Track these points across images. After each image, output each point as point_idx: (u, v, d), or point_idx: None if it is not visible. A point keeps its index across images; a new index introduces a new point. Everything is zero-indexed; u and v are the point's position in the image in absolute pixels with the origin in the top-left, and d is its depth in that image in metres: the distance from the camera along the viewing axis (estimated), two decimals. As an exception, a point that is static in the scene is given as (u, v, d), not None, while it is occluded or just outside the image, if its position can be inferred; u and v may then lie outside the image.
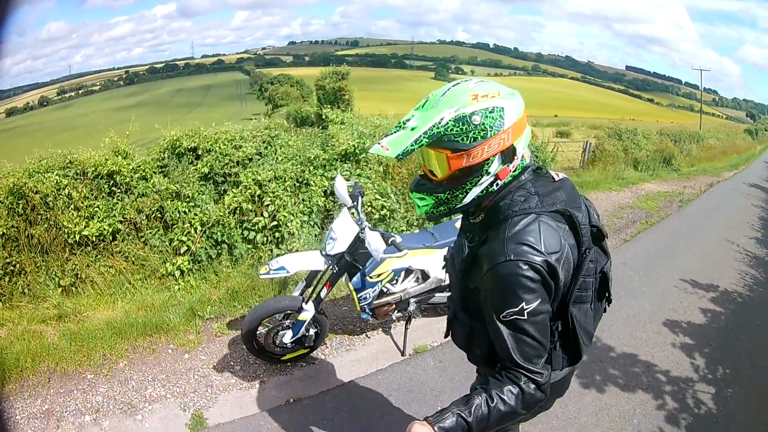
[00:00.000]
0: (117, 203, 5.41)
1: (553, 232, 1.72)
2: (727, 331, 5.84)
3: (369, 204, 6.23)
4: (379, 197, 6.37)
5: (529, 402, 1.71)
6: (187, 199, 5.60)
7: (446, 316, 2.31)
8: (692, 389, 4.62)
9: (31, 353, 4.31)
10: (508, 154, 1.72)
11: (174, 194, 5.57)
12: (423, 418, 1.65)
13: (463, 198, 1.79)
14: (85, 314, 4.92)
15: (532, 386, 1.71)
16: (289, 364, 4.47)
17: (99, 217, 5.31)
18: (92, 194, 5.43)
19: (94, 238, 5.24)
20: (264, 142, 6.32)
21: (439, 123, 1.67)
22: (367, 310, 4.43)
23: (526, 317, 1.68)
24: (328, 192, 6.07)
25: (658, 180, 15.53)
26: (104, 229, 5.26)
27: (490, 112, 1.66)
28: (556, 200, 1.78)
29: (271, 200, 5.71)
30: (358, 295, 4.31)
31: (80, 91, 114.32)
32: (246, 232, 5.70)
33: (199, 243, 5.50)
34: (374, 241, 3.77)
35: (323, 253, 4.18)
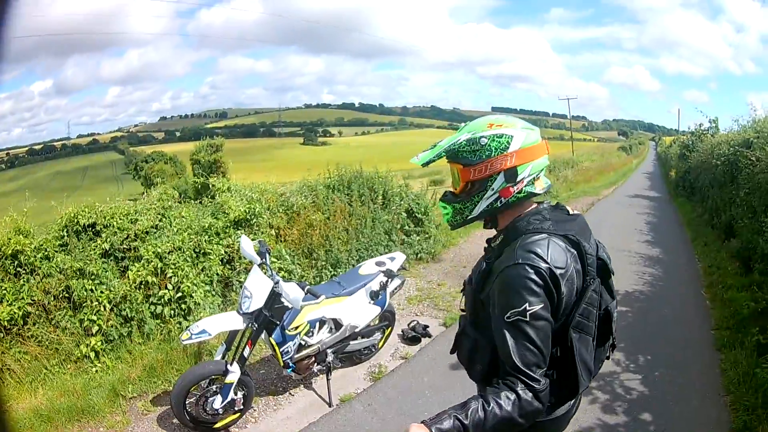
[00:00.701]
0: (24, 285, 5.19)
1: (561, 252, 1.86)
2: (638, 325, 6.35)
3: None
4: (275, 260, 6.49)
5: (526, 410, 1.75)
6: (92, 276, 5.44)
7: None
8: (618, 380, 4.99)
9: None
10: (511, 175, 1.95)
11: (78, 272, 5.41)
12: (421, 421, 1.69)
13: (473, 209, 2.04)
14: (9, 405, 4.70)
15: (530, 394, 1.75)
16: (222, 431, 4.44)
17: (8, 300, 5.07)
18: (-1, 276, 5.23)
19: (5, 323, 5.00)
20: (158, 214, 6.28)
21: (456, 141, 2.01)
22: (291, 365, 4.50)
23: (528, 319, 1.77)
24: (225, 260, 6.12)
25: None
26: (15, 313, 5.02)
27: (498, 137, 1.96)
28: (568, 229, 1.95)
29: (173, 272, 5.66)
30: (281, 350, 4.39)
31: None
32: (153, 307, 5.61)
33: (109, 321, 5.37)
34: (292, 291, 3.94)
35: (240, 312, 4.22)
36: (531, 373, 1.76)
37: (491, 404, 1.72)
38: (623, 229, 13.64)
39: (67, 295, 5.34)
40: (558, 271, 1.82)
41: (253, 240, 4.89)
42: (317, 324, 4.60)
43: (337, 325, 4.76)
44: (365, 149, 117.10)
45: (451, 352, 2.33)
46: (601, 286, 2.02)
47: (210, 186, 7.44)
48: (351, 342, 5.07)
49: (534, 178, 1.99)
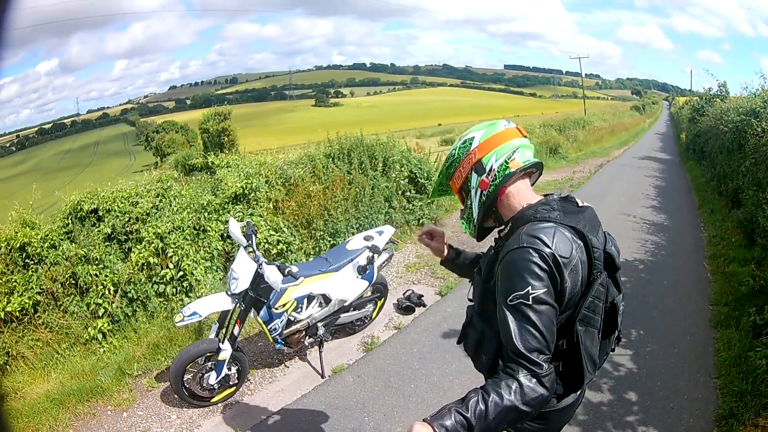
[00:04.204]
0: (32, 275, 5.36)
1: (567, 242, 1.87)
2: (636, 297, 6.30)
3: (265, 240, 6.44)
4: (273, 233, 6.60)
5: (530, 397, 1.71)
6: (96, 262, 5.60)
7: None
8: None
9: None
10: (479, 167, 2.07)
11: (83, 258, 5.57)
12: (422, 419, 1.66)
13: (473, 213, 2.16)
14: (24, 391, 4.91)
15: (533, 380, 1.73)
16: (220, 405, 4.63)
17: (18, 291, 5.25)
18: (8, 269, 5.36)
19: (17, 314, 5.19)
20: (158, 195, 6.38)
21: (443, 165, 2.25)
22: (279, 341, 4.69)
23: (530, 303, 1.77)
24: (225, 235, 6.21)
25: (546, 170, 16.39)
26: (25, 303, 5.20)
27: (462, 145, 2.14)
28: (576, 220, 1.97)
29: (173, 251, 5.81)
30: (268, 327, 4.57)
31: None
32: (156, 286, 5.78)
33: (115, 303, 5.54)
34: (272, 274, 4.11)
35: (229, 293, 4.42)
36: (533, 358, 1.75)
37: (491, 395, 1.70)
38: (630, 192, 13.47)
39: (73, 281, 5.52)
40: (562, 259, 1.82)
41: (242, 221, 5.01)
42: (305, 300, 4.74)
43: (326, 299, 4.89)
44: (377, 109, 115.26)
45: (458, 343, 2.36)
46: (608, 279, 2.04)
47: (210, 163, 7.49)
48: (342, 315, 5.22)
49: (507, 160, 2.03)
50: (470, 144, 2.10)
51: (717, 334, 5.46)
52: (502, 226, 2.13)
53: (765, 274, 5.85)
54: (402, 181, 9.15)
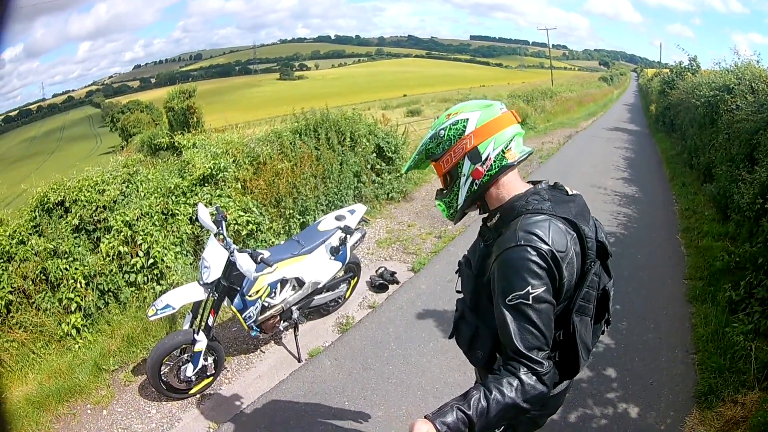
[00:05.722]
0: (2, 274, 5.20)
1: (562, 234, 1.85)
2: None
3: (235, 222, 6.33)
4: (242, 213, 6.48)
5: (530, 394, 1.73)
6: (66, 255, 5.46)
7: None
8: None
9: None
10: (474, 155, 1.97)
11: (52, 253, 5.43)
12: (424, 416, 1.68)
13: (458, 199, 2.08)
14: (3, 396, 4.78)
15: (533, 378, 1.74)
16: (198, 396, 4.58)
17: None
18: (-23, 268, 5.24)
19: None
20: (125, 181, 6.23)
21: (424, 141, 2.10)
22: (254, 328, 4.65)
23: (530, 302, 1.76)
24: (193, 219, 6.09)
25: (514, 141, 16.46)
26: None
27: (453, 125, 2.01)
28: (568, 210, 1.93)
29: (142, 238, 5.67)
30: (243, 315, 4.51)
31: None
32: (127, 275, 5.66)
33: (86, 297, 5.41)
34: (244, 263, 4.04)
35: (201, 282, 4.33)
36: (533, 357, 1.75)
37: (493, 392, 1.71)
38: (600, 164, 13.54)
39: (44, 276, 5.37)
40: (559, 254, 1.81)
41: (210, 206, 4.92)
42: (278, 284, 4.70)
43: (300, 282, 4.86)
44: (342, 80, 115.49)
45: (450, 338, 2.35)
46: (600, 267, 2.02)
47: (176, 143, 7.32)
48: (315, 297, 5.20)
49: (503, 150, 1.98)
50: (464, 127, 1.99)
51: (693, 309, 5.54)
52: (486, 214, 2.11)
53: (739, 250, 5.91)
54: (370, 156, 9.12)
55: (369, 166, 9.09)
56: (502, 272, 1.84)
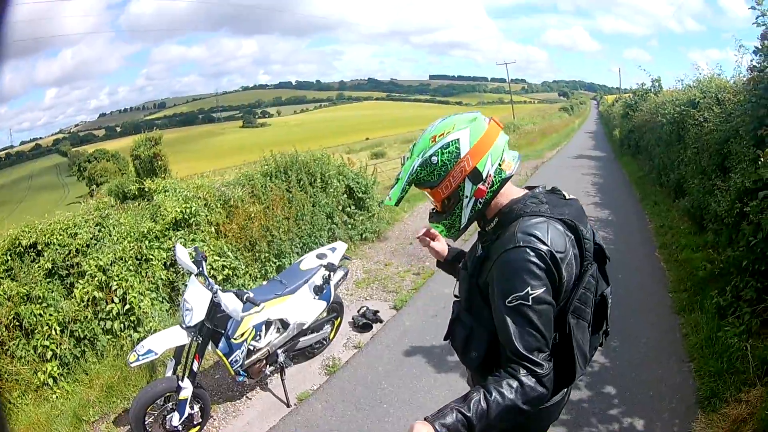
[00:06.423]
0: None
1: (560, 236, 1.84)
2: None
3: (210, 266, 6.18)
4: (218, 257, 6.40)
5: (530, 396, 1.73)
6: (39, 300, 5.29)
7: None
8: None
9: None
10: (475, 176, 1.91)
11: (25, 297, 5.25)
12: (423, 418, 1.66)
13: (461, 220, 2.02)
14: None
15: (533, 379, 1.74)
16: None
17: None
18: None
19: None
20: (97, 224, 6.07)
21: (413, 171, 1.98)
22: (241, 373, 4.50)
23: (530, 303, 1.75)
24: (168, 264, 5.98)
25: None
26: None
27: (445, 149, 1.92)
28: (565, 213, 1.93)
29: (117, 284, 5.53)
30: (229, 360, 4.36)
31: None
32: (102, 323, 5.48)
33: (62, 344, 5.23)
34: (230, 302, 3.89)
35: (183, 326, 4.17)
36: (534, 358, 1.75)
37: (493, 394, 1.70)
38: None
39: (17, 323, 5.18)
40: (558, 255, 1.81)
41: (189, 247, 4.81)
42: (263, 327, 4.59)
43: (284, 324, 4.76)
44: (304, 127, 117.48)
45: (445, 339, 2.30)
46: (597, 272, 2.03)
47: (146, 189, 7.19)
48: (301, 339, 5.08)
49: (500, 163, 1.95)
50: (457, 149, 1.92)
51: (681, 320, 5.62)
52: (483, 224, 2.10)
53: (722, 256, 5.95)
54: (341, 197, 9.12)
55: (341, 207, 9.08)
56: (501, 274, 1.83)
